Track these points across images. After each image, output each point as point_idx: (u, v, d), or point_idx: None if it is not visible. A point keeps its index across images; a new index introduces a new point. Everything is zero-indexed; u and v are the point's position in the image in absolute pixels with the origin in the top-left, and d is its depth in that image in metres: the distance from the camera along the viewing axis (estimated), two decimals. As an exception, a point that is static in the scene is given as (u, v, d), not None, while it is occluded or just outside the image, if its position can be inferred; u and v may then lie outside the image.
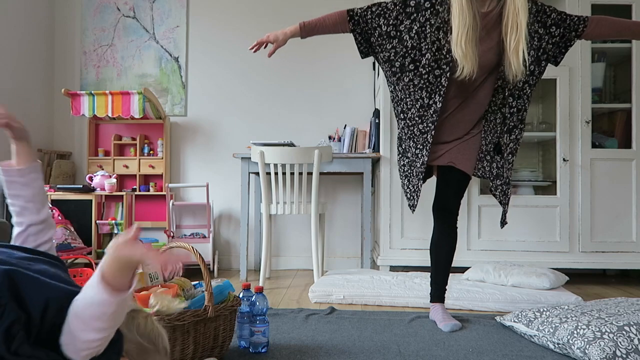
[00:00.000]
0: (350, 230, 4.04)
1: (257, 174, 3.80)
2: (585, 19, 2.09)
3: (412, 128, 2.19)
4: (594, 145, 3.41)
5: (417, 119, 2.15)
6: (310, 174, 3.15)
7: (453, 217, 2.27)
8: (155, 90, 4.08)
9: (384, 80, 3.45)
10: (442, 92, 2.07)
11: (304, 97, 4.07)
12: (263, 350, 1.82)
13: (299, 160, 3.11)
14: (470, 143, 2.21)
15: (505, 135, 2.20)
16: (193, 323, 1.60)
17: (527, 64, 1.98)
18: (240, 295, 1.88)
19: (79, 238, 3.17)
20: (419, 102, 2.12)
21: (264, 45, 2.20)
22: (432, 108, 2.10)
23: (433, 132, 2.13)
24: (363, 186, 3.54)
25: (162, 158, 3.95)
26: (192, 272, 3.59)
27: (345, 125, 3.81)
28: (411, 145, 2.23)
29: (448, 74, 2.04)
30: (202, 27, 4.12)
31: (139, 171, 3.92)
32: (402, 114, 2.22)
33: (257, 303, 1.82)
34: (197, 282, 1.83)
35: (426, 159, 2.17)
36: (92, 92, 3.66)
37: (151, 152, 3.99)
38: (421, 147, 2.18)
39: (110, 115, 3.66)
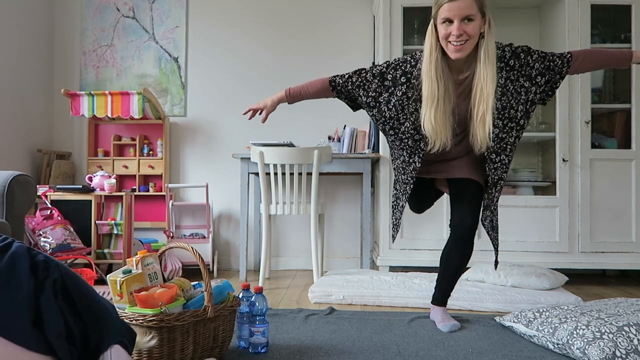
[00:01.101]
0: (349, 230, 4.04)
1: (257, 174, 3.80)
2: (569, 60, 2.04)
3: (397, 175, 2.29)
4: (593, 146, 3.41)
5: (400, 169, 2.24)
6: (309, 174, 3.15)
7: (473, 232, 2.16)
8: (155, 90, 4.08)
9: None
10: (421, 155, 2.12)
11: (304, 98, 4.06)
12: (262, 351, 1.82)
13: (299, 160, 3.11)
14: (472, 157, 2.20)
15: (491, 187, 2.15)
16: (192, 323, 1.60)
17: (492, 136, 2.00)
18: (240, 296, 1.88)
19: (79, 238, 3.17)
20: (401, 158, 2.20)
21: (258, 112, 2.35)
22: (412, 166, 2.16)
23: (412, 185, 2.19)
24: (362, 186, 3.54)
25: (162, 158, 3.95)
26: (191, 272, 3.60)
27: (345, 126, 3.81)
28: (396, 187, 2.32)
29: (427, 140, 2.07)
30: (202, 28, 4.12)
31: (139, 171, 3.92)
32: (391, 156, 2.33)
33: (257, 303, 1.82)
34: (197, 282, 1.83)
35: (405, 204, 2.24)
36: (92, 92, 3.65)
37: (151, 152, 3.99)
38: (402, 192, 2.25)
39: (109, 115, 3.66)
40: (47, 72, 4.09)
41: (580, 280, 3.48)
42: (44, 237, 2.99)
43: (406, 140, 2.12)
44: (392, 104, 2.09)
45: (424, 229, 3.41)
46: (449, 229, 2.21)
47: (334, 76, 2.23)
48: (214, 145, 4.10)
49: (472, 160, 2.19)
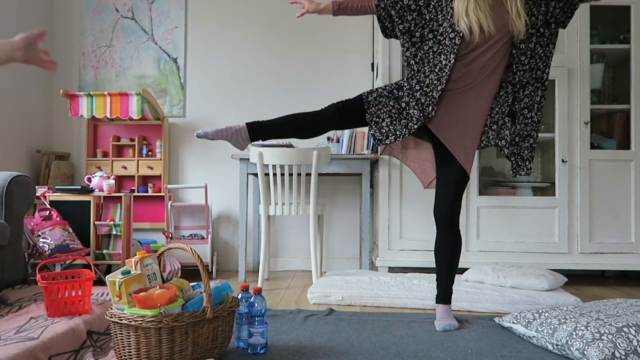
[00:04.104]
0: (348, 231, 4.04)
1: (256, 175, 3.80)
2: None
3: (426, 89, 2.20)
4: (592, 146, 3.42)
5: (435, 82, 2.18)
6: (308, 175, 3.15)
7: (454, 219, 2.27)
8: (154, 91, 4.08)
9: (383, 80, 3.46)
10: (455, 51, 2.14)
11: (303, 98, 4.07)
12: (261, 351, 1.82)
13: (298, 161, 3.11)
14: (472, 133, 2.21)
15: (520, 91, 2.23)
16: (191, 324, 1.59)
17: (528, 22, 2.13)
18: (239, 297, 1.88)
19: (77, 239, 3.16)
20: (437, 66, 2.19)
21: (302, 7, 2.35)
22: (447, 67, 2.17)
23: (444, 82, 2.15)
24: (362, 187, 3.54)
25: (161, 159, 3.94)
26: (190, 273, 3.60)
27: (344, 126, 3.81)
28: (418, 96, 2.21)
29: (462, 34, 2.13)
30: (201, 28, 4.12)
31: (138, 172, 3.91)
32: (417, 85, 2.21)
33: (256, 304, 1.81)
34: (196, 283, 1.83)
35: (431, 109, 2.17)
36: (91, 93, 3.65)
37: (150, 153, 3.99)
38: (430, 97, 2.17)
39: (108, 116, 3.66)
40: (46, 72, 4.08)
41: (580, 281, 3.48)
42: (43, 238, 2.99)
43: (444, 41, 2.17)
44: (432, 6, 2.20)
45: (423, 229, 3.40)
46: (433, 216, 2.32)
47: None
48: (213, 146, 4.09)
49: (472, 130, 2.21)
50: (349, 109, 2.24)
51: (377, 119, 2.21)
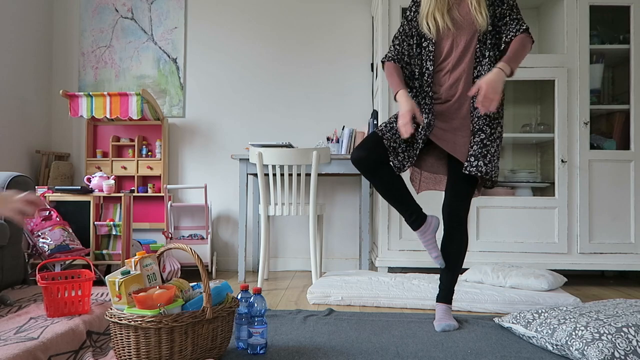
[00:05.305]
0: (348, 231, 4.04)
1: (256, 175, 3.80)
2: (516, 33, 2.14)
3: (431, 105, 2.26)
4: (592, 147, 3.42)
5: (430, 93, 2.24)
6: (308, 175, 3.15)
7: (461, 218, 2.26)
8: (154, 91, 4.08)
9: (382, 81, 3.46)
10: (431, 57, 2.23)
11: (303, 99, 4.07)
12: (261, 352, 1.82)
13: (297, 161, 3.11)
14: (468, 126, 2.22)
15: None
16: (191, 324, 1.59)
17: (488, 19, 2.16)
18: (239, 297, 1.88)
19: (77, 239, 3.16)
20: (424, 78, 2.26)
21: (415, 124, 2.20)
22: (429, 74, 2.24)
23: (431, 95, 2.23)
24: (361, 187, 3.54)
25: (160, 159, 3.94)
26: (190, 273, 3.60)
27: (344, 127, 3.81)
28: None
29: (433, 39, 2.22)
30: (201, 29, 4.12)
31: (137, 172, 3.91)
32: (423, 100, 2.26)
33: (255, 304, 1.82)
34: (195, 283, 1.83)
35: (432, 122, 2.21)
36: (90, 93, 3.65)
37: (149, 153, 3.99)
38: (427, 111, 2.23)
39: (108, 116, 3.66)
40: (46, 73, 4.08)
41: (579, 281, 3.48)
42: (43, 238, 2.99)
43: (425, 51, 2.25)
44: (411, 25, 2.29)
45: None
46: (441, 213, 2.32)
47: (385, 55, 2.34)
48: (212, 146, 4.10)
49: (469, 134, 2.21)
50: (368, 146, 2.22)
51: (394, 144, 2.22)
